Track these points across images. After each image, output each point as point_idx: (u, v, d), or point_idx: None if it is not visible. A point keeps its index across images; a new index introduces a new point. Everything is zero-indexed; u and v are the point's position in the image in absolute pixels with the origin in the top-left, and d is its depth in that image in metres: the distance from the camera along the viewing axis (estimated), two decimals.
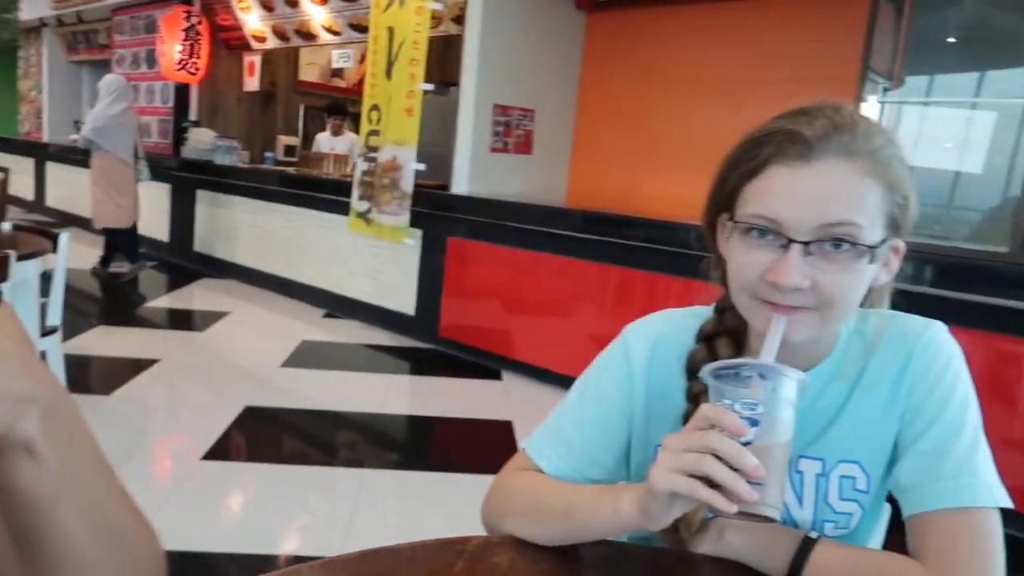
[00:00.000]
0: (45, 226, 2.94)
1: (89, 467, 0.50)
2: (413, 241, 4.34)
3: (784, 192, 0.69)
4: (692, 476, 0.61)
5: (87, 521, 0.48)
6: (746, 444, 0.61)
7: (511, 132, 4.56)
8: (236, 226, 5.94)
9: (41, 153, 8.89)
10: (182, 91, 6.82)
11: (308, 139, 7.18)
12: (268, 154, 6.45)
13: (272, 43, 6.48)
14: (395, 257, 4.61)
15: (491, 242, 4.07)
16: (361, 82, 5.22)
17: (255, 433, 3.05)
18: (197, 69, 6.51)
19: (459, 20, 4.52)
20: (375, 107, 4.41)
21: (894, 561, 0.71)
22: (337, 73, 8.30)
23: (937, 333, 0.79)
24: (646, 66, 4.59)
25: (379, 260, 4.75)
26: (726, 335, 0.82)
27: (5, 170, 5.89)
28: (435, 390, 3.90)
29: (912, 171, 0.74)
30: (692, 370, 0.82)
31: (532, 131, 4.70)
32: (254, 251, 5.78)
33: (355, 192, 4.55)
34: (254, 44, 6.64)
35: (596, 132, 4.90)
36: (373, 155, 4.41)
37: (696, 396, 0.80)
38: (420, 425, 3.39)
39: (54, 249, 2.57)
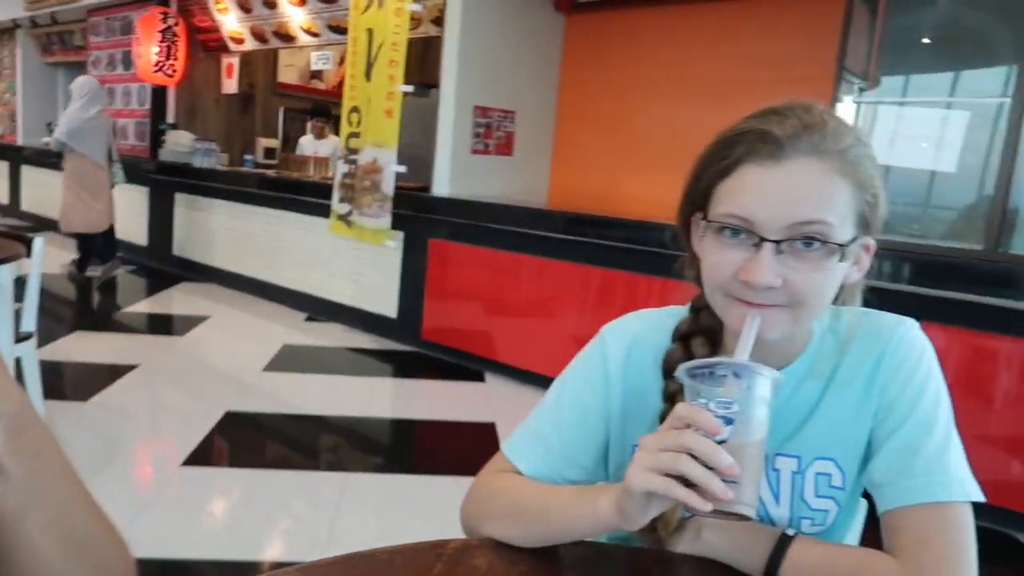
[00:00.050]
0: (21, 230, 2.89)
1: (57, 481, 0.50)
2: (394, 243, 4.33)
3: (756, 191, 0.70)
4: (668, 475, 0.61)
5: (55, 535, 0.48)
6: (721, 443, 0.61)
7: (492, 134, 4.56)
8: (216, 229, 5.89)
9: (16, 156, 8.76)
10: (159, 93, 6.74)
11: (288, 141, 7.14)
12: (248, 157, 6.39)
13: (250, 45, 6.43)
14: (376, 260, 4.59)
15: (473, 244, 4.07)
16: (341, 84, 5.20)
17: (236, 438, 3.02)
18: (174, 71, 6.45)
19: (438, 22, 4.51)
20: (355, 109, 4.39)
21: (869, 557, 0.72)
22: (316, 75, 8.26)
23: (909, 330, 0.80)
24: (625, 67, 4.61)
25: (360, 263, 4.73)
26: (702, 334, 0.83)
27: None
28: (418, 393, 3.89)
29: (882, 170, 0.75)
30: (668, 370, 0.82)
31: (513, 133, 4.71)
32: (234, 254, 5.73)
33: (336, 194, 4.53)
34: (232, 46, 6.58)
35: (576, 133, 4.92)
36: (353, 157, 4.39)
37: (673, 396, 0.80)
38: (403, 428, 3.37)
39: (28, 254, 2.54)
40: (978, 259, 2.74)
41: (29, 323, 2.65)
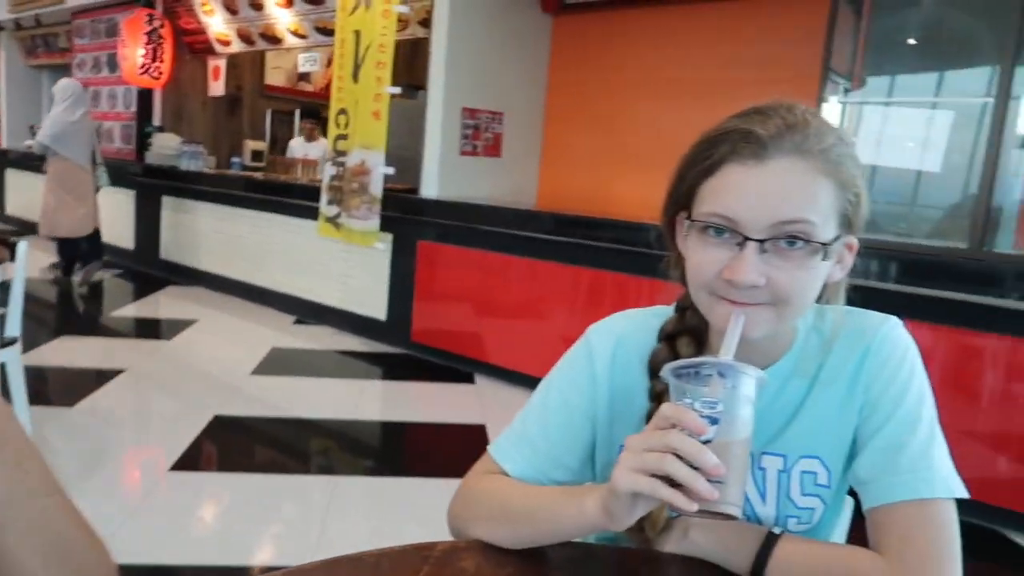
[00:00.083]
0: (5, 234, 2.87)
1: (37, 492, 0.50)
2: (383, 245, 4.32)
3: (739, 191, 0.70)
4: (654, 475, 0.61)
5: (36, 545, 0.48)
6: (706, 442, 0.61)
7: (480, 135, 4.56)
8: (203, 232, 5.85)
9: None
10: (145, 96, 6.70)
11: (276, 144, 7.11)
12: (235, 159, 6.36)
13: (237, 47, 6.40)
14: (365, 262, 4.58)
15: (461, 245, 4.07)
16: (328, 86, 5.18)
17: (225, 443, 3.00)
18: (160, 73, 6.40)
19: (426, 23, 4.51)
20: (343, 111, 4.38)
21: (855, 554, 0.73)
22: (304, 77, 8.24)
23: (892, 328, 0.81)
24: (613, 68, 4.62)
25: (349, 265, 4.72)
26: (687, 334, 0.83)
27: None
28: (408, 395, 3.88)
29: (864, 169, 0.75)
30: (654, 369, 0.82)
31: (501, 134, 4.71)
32: (222, 257, 5.70)
33: (324, 197, 4.51)
34: (219, 48, 6.55)
35: (565, 134, 4.93)
36: (341, 159, 4.38)
37: (659, 395, 0.80)
38: (393, 431, 3.36)
39: (12, 258, 2.51)
40: (963, 257, 2.76)
41: (14, 328, 2.63)
